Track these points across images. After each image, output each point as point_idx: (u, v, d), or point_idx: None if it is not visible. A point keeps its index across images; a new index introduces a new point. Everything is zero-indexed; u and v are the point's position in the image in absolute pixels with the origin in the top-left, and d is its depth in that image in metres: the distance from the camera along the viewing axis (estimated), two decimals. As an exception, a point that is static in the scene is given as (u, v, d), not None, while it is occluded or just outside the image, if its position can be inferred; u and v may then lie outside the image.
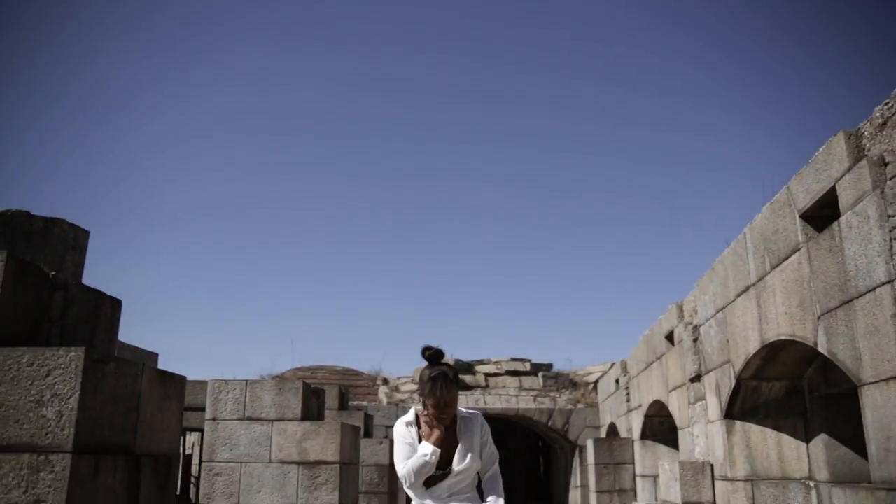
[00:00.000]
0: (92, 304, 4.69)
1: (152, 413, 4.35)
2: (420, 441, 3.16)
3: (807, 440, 7.81)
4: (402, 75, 63.11)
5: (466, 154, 63.46)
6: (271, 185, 63.73)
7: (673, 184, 60.91)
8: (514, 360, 22.84)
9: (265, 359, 58.55)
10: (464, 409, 3.30)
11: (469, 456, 3.13)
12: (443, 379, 3.10)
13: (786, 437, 7.96)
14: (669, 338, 11.10)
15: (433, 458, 3.05)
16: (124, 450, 4.02)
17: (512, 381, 22.15)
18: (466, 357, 22.58)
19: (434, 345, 3.24)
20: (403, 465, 3.11)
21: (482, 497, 3.23)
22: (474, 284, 62.00)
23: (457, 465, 3.12)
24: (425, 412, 3.18)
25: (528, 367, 22.43)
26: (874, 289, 4.80)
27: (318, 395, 10.07)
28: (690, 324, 9.97)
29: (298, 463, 8.99)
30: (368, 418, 15.02)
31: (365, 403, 19.22)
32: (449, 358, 21.98)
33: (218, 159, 63.00)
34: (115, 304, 4.96)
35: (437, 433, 3.09)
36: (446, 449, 3.13)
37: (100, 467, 3.78)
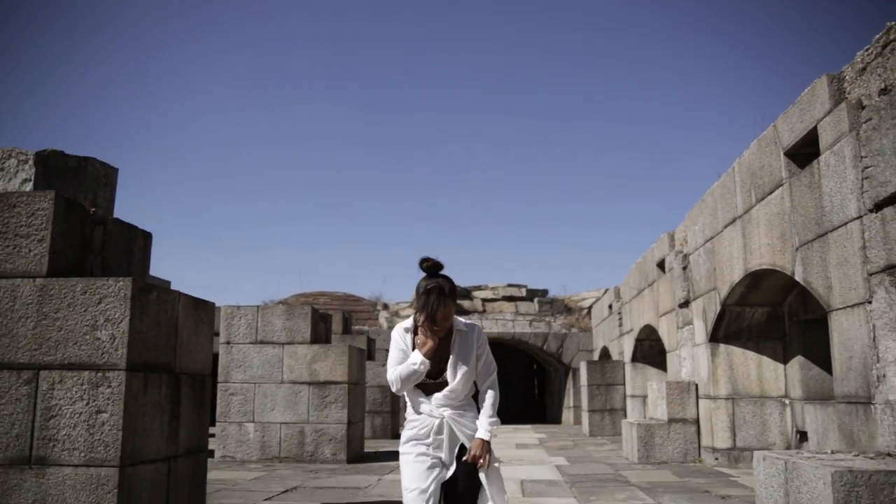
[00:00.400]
0: (127, 238, 5.09)
1: (188, 336, 4.81)
2: (413, 349, 3.17)
3: (784, 361, 8.38)
4: (399, 10, 61.93)
5: (464, 84, 62.86)
6: (271, 117, 63.29)
7: (669, 116, 60.71)
8: (510, 285, 23.47)
9: (266, 285, 59.48)
10: (462, 320, 3.28)
11: (462, 369, 3.13)
12: (437, 292, 3.07)
13: (766, 359, 8.53)
14: (661, 265, 11.58)
15: (421, 367, 3.07)
16: (167, 368, 4.50)
17: (508, 307, 22.83)
18: (464, 283, 23.17)
19: (433, 257, 3.18)
20: (393, 371, 3.13)
21: (478, 406, 3.23)
22: (473, 211, 62.42)
23: (450, 376, 3.13)
24: (419, 325, 3.17)
25: (524, 292, 23.07)
26: (846, 223, 5.22)
27: (325, 319, 10.59)
28: (681, 252, 10.43)
29: (309, 383, 9.57)
30: (371, 342, 15.65)
31: (366, 328, 19.85)
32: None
33: (224, 95, 62.36)
34: (147, 237, 5.36)
35: (429, 344, 3.09)
36: (439, 360, 3.13)
37: (148, 383, 4.25)
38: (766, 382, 8.51)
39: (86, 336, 4.05)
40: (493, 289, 23.31)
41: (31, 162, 5.01)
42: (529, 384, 26.28)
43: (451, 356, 3.15)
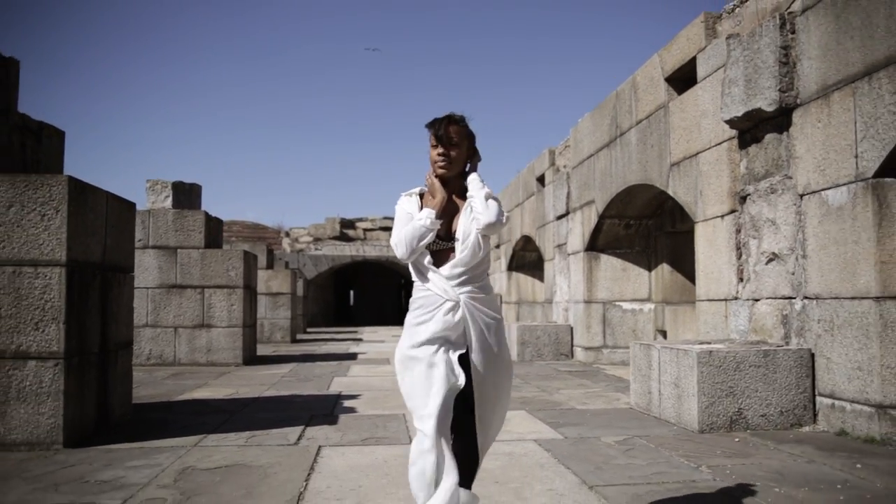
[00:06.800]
0: (217, 224, 10.61)
1: (252, 271, 10.48)
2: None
3: (543, 281, 14.96)
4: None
5: (332, 22, 66.18)
6: (173, 49, 64.16)
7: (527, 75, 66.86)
8: (385, 218, 29.40)
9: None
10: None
11: (474, 230, 2.44)
12: (447, 117, 2.50)
13: (537, 281, 15.06)
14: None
15: (429, 223, 2.43)
16: (250, 287, 10.17)
17: (384, 235, 28.82)
18: (349, 216, 28.96)
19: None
20: (397, 233, 2.49)
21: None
22: (357, 148, 67.23)
23: (459, 233, 2.46)
24: (428, 181, 2.57)
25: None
26: (551, 221, 11.55)
27: (271, 253, 16.20)
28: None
29: (265, 294, 15.27)
30: (286, 264, 21.26)
31: (274, 250, 25.26)
32: (334, 216, 29.00)
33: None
34: (220, 222, 10.88)
35: (438, 196, 2.49)
36: (450, 222, 2.51)
37: (247, 294, 9.93)
38: (537, 294, 15.07)
39: (223, 274, 9.70)
40: (371, 220, 29.15)
41: (169, 187, 10.39)
42: (398, 297, 32.67)
43: (461, 215, 2.50)
